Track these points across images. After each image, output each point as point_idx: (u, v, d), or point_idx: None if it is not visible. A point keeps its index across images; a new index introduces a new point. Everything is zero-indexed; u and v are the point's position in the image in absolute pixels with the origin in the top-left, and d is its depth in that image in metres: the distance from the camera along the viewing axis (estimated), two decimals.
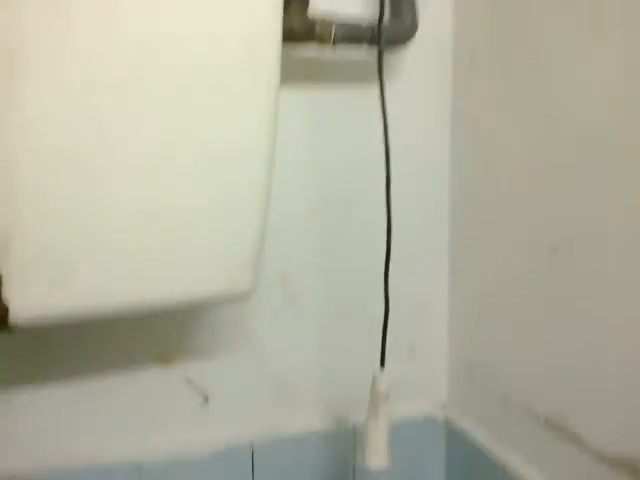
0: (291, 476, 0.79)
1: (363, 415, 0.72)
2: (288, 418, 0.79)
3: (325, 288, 0.79)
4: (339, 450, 0.81)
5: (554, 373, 0.67)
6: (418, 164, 0.80)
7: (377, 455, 0.71)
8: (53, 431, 0.71)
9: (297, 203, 0.76)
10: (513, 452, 0.73)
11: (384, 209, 0.69)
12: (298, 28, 0.66)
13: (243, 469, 0.77)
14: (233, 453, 0.77)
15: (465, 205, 0.80)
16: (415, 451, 0.84)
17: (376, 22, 0.68)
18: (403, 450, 0.77)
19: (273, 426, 0.78)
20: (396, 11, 0.71)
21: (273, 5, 0.57)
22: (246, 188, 0.58)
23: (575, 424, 0.64)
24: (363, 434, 0.72)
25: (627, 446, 0.59)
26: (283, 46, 0.59)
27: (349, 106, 0.76)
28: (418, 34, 0.72)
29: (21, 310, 0.51)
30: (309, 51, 0.72)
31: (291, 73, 0.70)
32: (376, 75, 0.68)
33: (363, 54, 0.74)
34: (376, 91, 0.68)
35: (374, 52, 0.69)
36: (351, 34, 0.68)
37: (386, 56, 0.72)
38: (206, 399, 0.76)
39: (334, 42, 0.67)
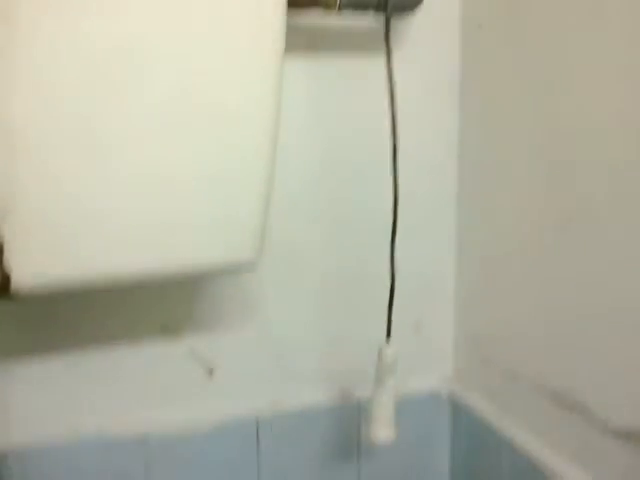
0: (296, 449, 0.79)
1: (368, 389, 0.72)
2: (293, 391, 0.79)
3: (330, 260, 0.78)
4: (344, 424, 0.80)
5: (561, 345, 0.66)
6: (425, 133, 0.78)
7: (383, 428, 0.71)
8: (57, 402, 0.71)
9: (302, 172, 0.75)
10: (519, 426, 0.73)
11: (390, 179, 0.68)
12: None
13: (248, 442, 0.77)
14: (238, 426, 0.76)
15: (473, 175, 0.79)
16: (420, 426, 0.83)
17: None
18: (408, 425, 0.77)
19: (278, 399, 0.78)
20: None
21: None
22: (250, 155, 0.58)
23: (582, 396, 0.64)
24: (369, 407, 0.72)
25: (635, 417, 0.58)
26: (287, 12, 0.58)
27: (355, 74, 0.74)
28: (426, 0, 0.71)
29: (23, 277, 0.51)
30: (314, 18, 0.70)
31: (296, 40, 0.69)
32: (383, 42, 0.67)
33: (370, 21, 0.72)
34: (383, 59, 0.67)
35: (381, 19, 0.68)
36: (357, 0, 0.67)
37: (393, 23, 0.70)
38: (211, 372, 0.76)
39: (340, 8, 0.66)
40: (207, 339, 0.75)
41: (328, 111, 0.75)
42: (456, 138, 0.80)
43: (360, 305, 0.80)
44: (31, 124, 0.49)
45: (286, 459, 0.79)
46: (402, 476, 0.84)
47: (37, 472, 0.70)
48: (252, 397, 0.77)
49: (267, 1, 0.56)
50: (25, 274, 0.51)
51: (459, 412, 0.82)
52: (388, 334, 0.71)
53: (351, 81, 0.75)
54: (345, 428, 0.80)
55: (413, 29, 0.76)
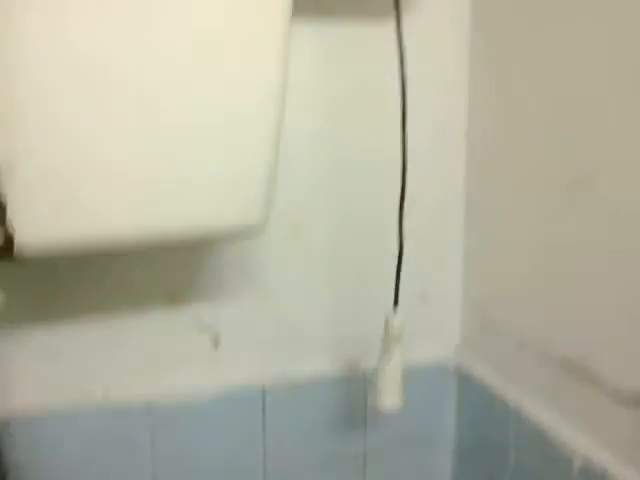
0: (302, 419, 0.79)
1: (374, 358, 0.71)
2: (299, 360, 0.78)
3: (337, 228, 0.77)
4: (350, 392, 0.80)
5: (570, 313, 0.66)
6: (435, 98, 0.77)
7: (390, 396, 0.71)
8: (61, 370, 0.71)
9: (309, 139, 0.74)
10: (526, 395, 0.72)
11: (399, 145, 0.67)
12: None
13: (253, 411, 0.77)
14: (244, 394, 0.76)
15: (482, 141, 0.77)
16: (427, 394, 0.83)
17: None
18: (415, 395, 0.76)
19: (284, 369, 0.78)
20: None
21: None
22: (256, 118, 0.56)
23: (592, 363, 0.63)
24: (375, 376, 0.71)
25: None
26: None
27: (364, 39, 0.73)
28: None
29: (26, 237, 0.50)
30: None
31: (303, 4, 0.67)
32: (392, 6, 0.66)
33: None
34: (392, 23, 0.66)
35: None
36: None
37: None
38: (217, 340, 0.76)
39: None
40: (212, 308, 0.75)
41: (337, 76, 0.73)
42: (466, 102, 0.78)
43: (367, 274, 0.79)
44: (34, 78, 0.48)
45: (292, 428, 0.79)
46: (408, 445, 0.84)
47: (41, 439, 0.70)
48: (258, 366, 0.77)
49: None
50: (29, 234, 0.50)
51: (466, 381, 0.82)
52: (395, 303, 0.70)
53: (360, 45, 0.73)
54: (352, 397, 0.80)
55: None
